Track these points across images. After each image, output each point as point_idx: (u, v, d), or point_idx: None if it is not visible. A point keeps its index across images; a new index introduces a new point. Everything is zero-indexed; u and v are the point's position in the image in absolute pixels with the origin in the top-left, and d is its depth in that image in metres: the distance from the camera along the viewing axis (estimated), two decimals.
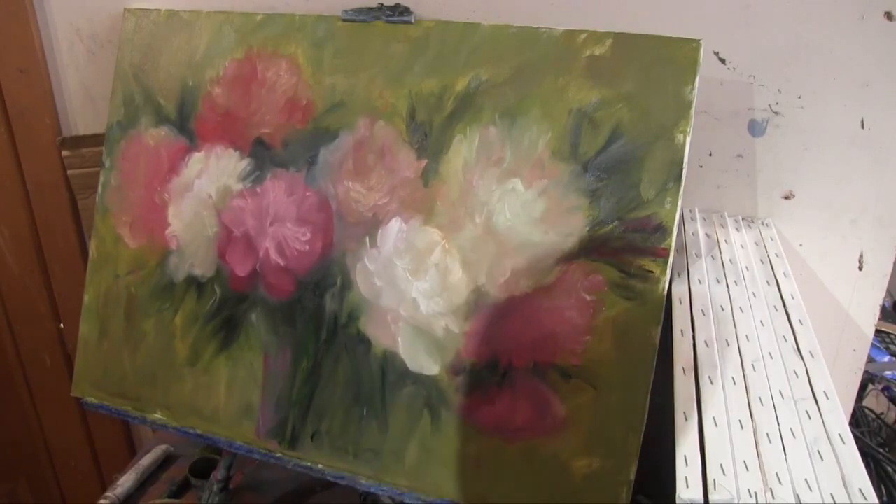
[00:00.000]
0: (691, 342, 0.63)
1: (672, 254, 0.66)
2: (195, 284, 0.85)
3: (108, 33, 0.98)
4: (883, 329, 1.31)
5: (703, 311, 0.67)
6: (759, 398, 0.55)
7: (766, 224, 0.85)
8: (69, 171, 1.04)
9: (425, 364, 0.74)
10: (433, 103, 0.75)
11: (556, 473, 0.69)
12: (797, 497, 0.46)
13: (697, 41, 0.66)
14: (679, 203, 0.66)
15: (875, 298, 0.86)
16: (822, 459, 0.49)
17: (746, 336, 0.63)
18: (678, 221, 0.66)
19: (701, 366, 0.59)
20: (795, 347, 0.62)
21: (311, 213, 0.80)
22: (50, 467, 1.29)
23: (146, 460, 0.95)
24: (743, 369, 0.59)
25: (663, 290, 0.66)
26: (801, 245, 0.86)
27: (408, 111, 0.76)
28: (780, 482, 0.47)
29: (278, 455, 0.80)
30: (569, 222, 0.69)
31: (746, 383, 0.57)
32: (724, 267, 0.75)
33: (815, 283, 0.86)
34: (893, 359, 1.25)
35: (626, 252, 0.67)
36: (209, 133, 0.85)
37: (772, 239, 0.81)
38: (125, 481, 0.91)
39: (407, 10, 0.77)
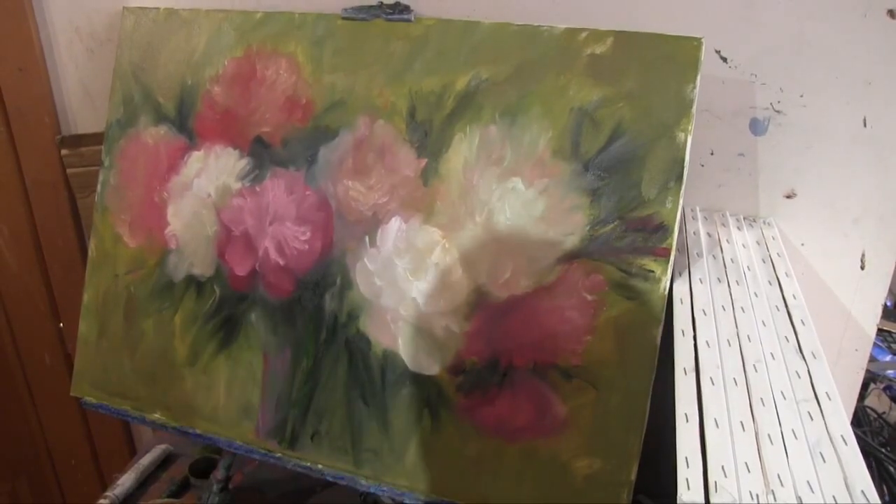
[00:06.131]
0: (692, 342, 0.62)
1: (673, 253, 0.66)
2: (194, 284, 0.85)
3: (107, 32, 0.98)
4: (885, 328, 1.31)
5: (704, 311, 0.66)
6: (761, 399, 0.55)
7: (768, 223, 0.84)
8: (68, 170, 1.04)
9: (425, 364, 0.74)
10: (433, 102, 0.74)
11: (557, 474, 0.69)
12: (799, 499, 0.46)
13: (699, 39, 0.66)
14: (680, 202, 0.65)
15: (877, 297, 0.85)
16: (824, 461, 0.49)
17: (748, 336, 0.63)
18: (679, 221, 0.66)
19: (702, 366, 0.59)
20: (797, 348, 0.62)
21: (311, 212, 0.79)
22: (50, 466, 1.29)
23: (146, 460, 0.95)
24: (744, 370, 0.59)
25: (664, 289, 0.66)
26: (802, 244, 0.86)
27: (408, 110, 0.75)
28: (781, 484, 0.47)
29: (278, 455, 0.80)
30: (569, 221, 0.69)
31: (748, 384, 0.57)
32: (725, 266, 0.74)
33: (817, 282, 0.86)
34: (895, 358, 1.25)
35: (627, 251, 0.67)
36: (208, 132, 0.85)
37: (773, 238, 0.81)
38: (125, 481, 0.91)
39: (407, 9, 0.77)
